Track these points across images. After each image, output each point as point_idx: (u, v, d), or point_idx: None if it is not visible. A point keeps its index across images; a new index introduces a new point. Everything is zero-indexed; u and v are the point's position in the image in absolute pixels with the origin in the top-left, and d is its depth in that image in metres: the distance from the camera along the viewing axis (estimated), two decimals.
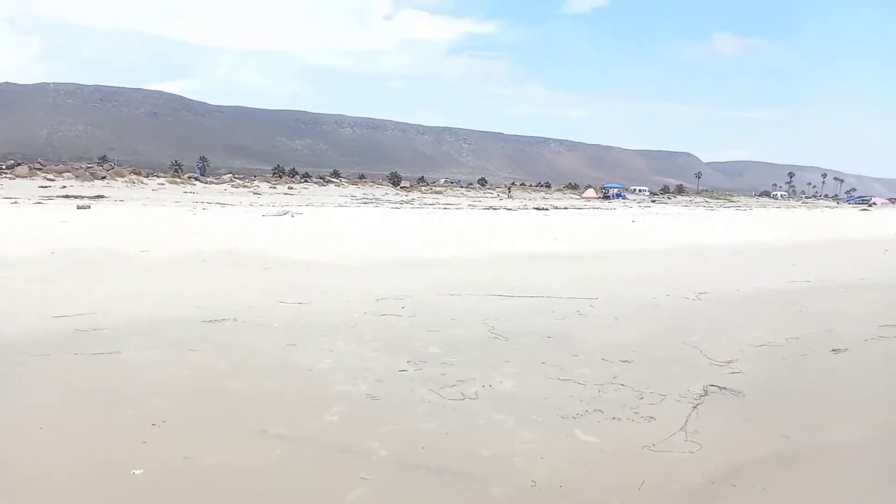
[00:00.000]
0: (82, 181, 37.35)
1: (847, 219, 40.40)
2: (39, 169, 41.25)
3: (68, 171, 40.82)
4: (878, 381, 5.51)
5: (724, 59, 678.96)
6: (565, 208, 42.93)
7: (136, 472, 3.42)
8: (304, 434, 3.95)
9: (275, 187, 48.64)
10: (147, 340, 5.75)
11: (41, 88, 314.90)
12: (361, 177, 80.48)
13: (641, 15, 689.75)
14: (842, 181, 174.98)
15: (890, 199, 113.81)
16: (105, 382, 4.68)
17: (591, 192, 75.34)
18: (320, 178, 67.05)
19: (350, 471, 3.54)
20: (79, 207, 20.40)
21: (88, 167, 45.19)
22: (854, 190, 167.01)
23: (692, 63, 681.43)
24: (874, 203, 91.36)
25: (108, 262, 9.85)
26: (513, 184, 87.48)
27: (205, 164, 68.74)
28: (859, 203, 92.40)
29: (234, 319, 6.59)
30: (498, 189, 76.78)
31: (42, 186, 32.50)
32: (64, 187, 32.87)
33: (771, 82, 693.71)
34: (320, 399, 4.50)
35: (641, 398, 4.70)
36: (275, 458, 3.64)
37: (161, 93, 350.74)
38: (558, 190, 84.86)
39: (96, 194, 29.45)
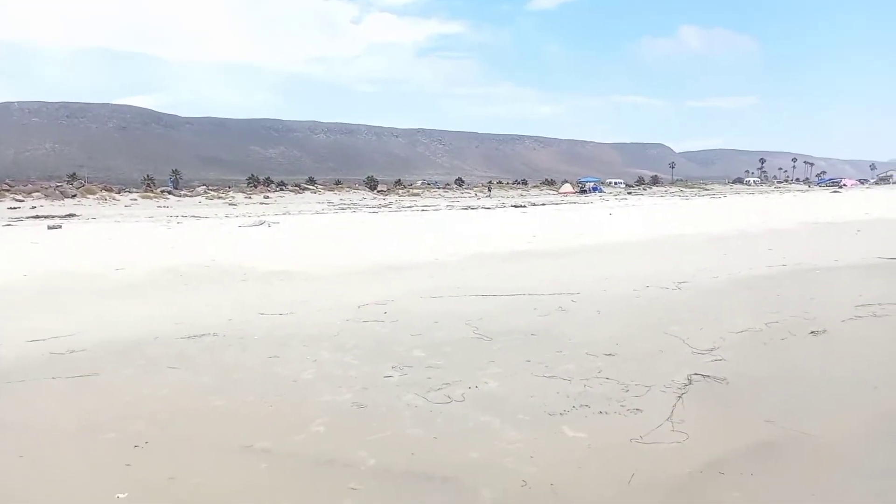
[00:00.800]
0: (52, 200, 36.74)
1: (819, 201, 41.10)
2: (7, 190, 40.50)
3: (37, 191, 40.13)
4: (857, 361, 5.60)
5: (690, 51, 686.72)
6: (543, 204, 43.16)
7: (121, 496, 3.36)
8: (289, 447, 3.91)
9: (250, 197, 48.33)
10: (125, 360, 5.65)
11: (5, 108, 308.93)
12: (337, 182, 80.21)
13: (607, 10, 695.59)
14: (812, 165, 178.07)
15: (859, 180, 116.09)
16: (84, 406, 4.60)
17: (567, 188, 75.85)
18: (296, 185, 66.77)
19: (339, 481, 3.51)
20: (50, 227, 20.03)
21: (58, 186, 44.44)
22: (824, 173, 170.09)
23: (659, 56, 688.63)
24: (844, 185, 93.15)
25: (82, 282, 9.67)
26: (490, 182, 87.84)
27: (177, 177, 68.08)
28: (830, 185, 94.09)
29: (214, 334, 6.51)
30: (476, 188, 77.03)
31: (11, 208, 31.92)
32: (34, 207, 32.32)
33: (737, 72, 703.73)
34: (305, 410, 4.46)
35: (627, 391, 4.72)
36: (261, 473, 3.60)
37: (129, 107, 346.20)
38: (535, 186, 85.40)
39: (67, 213, 28.98)
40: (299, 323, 7.02)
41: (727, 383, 4.90)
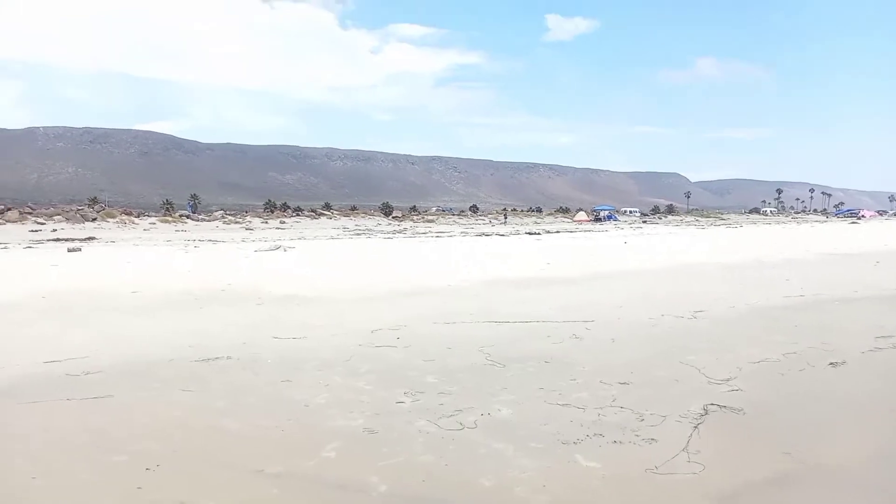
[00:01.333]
0: (73, 223, 37.30)
1: (837, 232, 40.70)
2: (30, 213, 41.21)
3: (59, 214, 40.77)
4: (878, 393, 5.49)
5: (707, 82, 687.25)
6: (557, 232, 43.12)
7: None
8: (301, 472, 3.89)
9: (267, 222, 48.75)
10: (139, 382, 5.68)
11: (30, 132, 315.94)
12: (353, 208, 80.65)
13: (623, 42, 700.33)
14: (829, 195, 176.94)
15: (878, 211, 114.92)
16: (97, 427, 4.61)
17: (582, 216, 75.91)
18: (312, 211, 67.27)
19: None
20: (70, 250, 20.30)
21: (79, 209, 45.15)
22: (842, 203, 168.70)
23: (676, 87, 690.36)
24: (863, 216, 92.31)
25: (99, 304, 9.77)
26: (506, 209, 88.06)
27: (196, 201, 68.79)
28: (848, 216, 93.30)
29: (228, 357, 6.53)
30: (490, 215, 77.18)
31: (32, 230, 32.42)
32: (55, 230, 32.80)
33: (754, 103, 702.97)
34: (317, 435, 4.44)
35: (642, 420, 4.66)
36: (273, 498, 3.58)
37: (151, 132, 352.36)
38: (550, 214, 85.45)
39: (87, 236, 29.38)
40: (312, 347, 7.02)
41: (744, 414, 4.82)
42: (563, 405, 5.01)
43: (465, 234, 39.28)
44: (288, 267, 16.03)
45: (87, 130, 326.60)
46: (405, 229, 44.94)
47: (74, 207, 47.54)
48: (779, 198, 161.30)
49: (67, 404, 5.10)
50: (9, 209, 41.70)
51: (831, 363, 6.22)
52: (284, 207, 72.32)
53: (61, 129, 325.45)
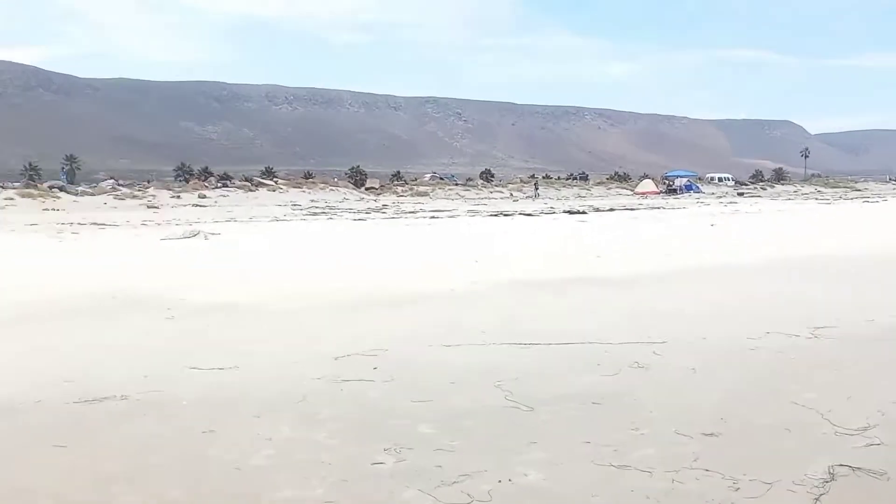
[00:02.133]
0: None
1: None
2: None
3: None
4: None
5: None
6: (611, 210, 43.22)
7: None
8: None
9: (179, 196, 48.84)
10: None
11: None
12: (308, 175, 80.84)
13: None
14: None
15: None
16: None
17: (648, 185, 76.05)
18: (246, 180, 67.43)
19: None
20: None
21: None
22: None
23: None
24: None
25: None
26: (534, 176, 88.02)
27: (73, 166, 68.85)
28: None
29: (123, 397, 6.54)
30: (511, 185, 77.18)
31: None
32: None
33: None
34: None
35: (737, 489, 4.67)
36: None
37: (8, 63, 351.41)
38: (600, 183, 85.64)
39: None
40: (249, 381, 7.05)
41: (888, 479, 4.83)
42: (619, 467, 5.02)
43: (473, 213, 39.35)
44: (210, 263, 16.05)
45: None
46: (385, 207, 45.05)
47: None
48: None
49: None
50: None
51: None
52: (205, 175, 72.46)
53: None
